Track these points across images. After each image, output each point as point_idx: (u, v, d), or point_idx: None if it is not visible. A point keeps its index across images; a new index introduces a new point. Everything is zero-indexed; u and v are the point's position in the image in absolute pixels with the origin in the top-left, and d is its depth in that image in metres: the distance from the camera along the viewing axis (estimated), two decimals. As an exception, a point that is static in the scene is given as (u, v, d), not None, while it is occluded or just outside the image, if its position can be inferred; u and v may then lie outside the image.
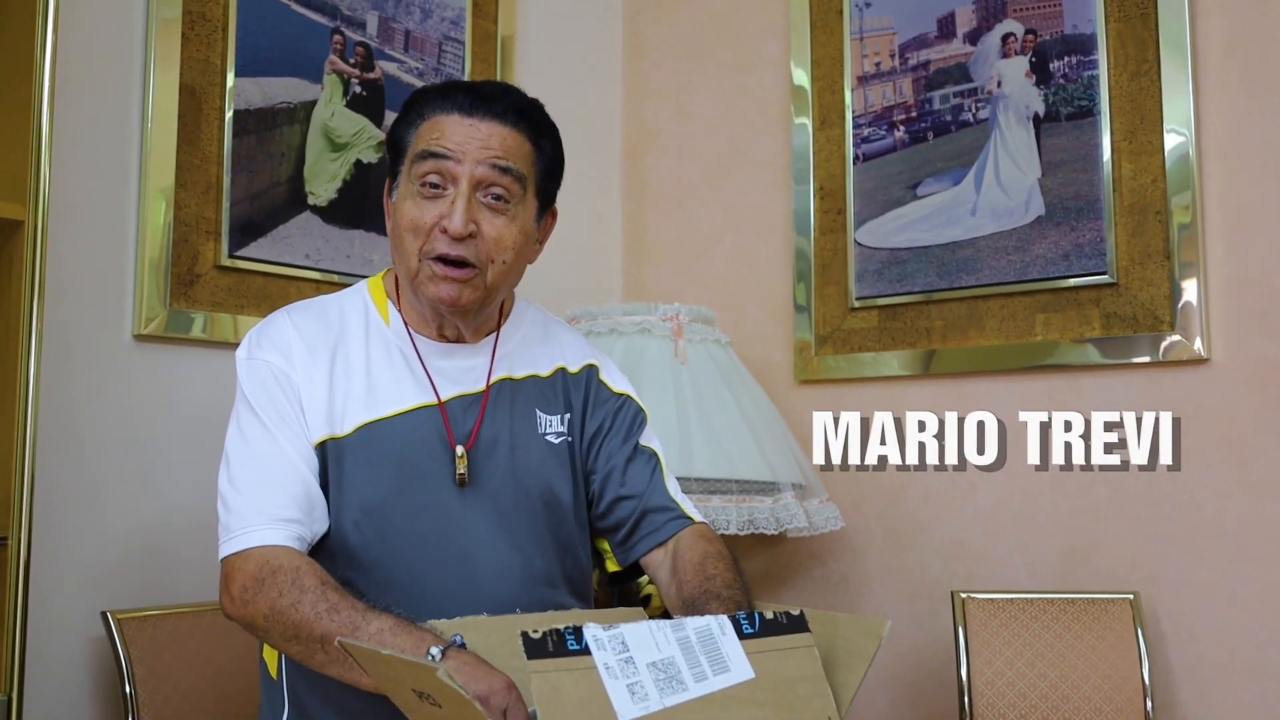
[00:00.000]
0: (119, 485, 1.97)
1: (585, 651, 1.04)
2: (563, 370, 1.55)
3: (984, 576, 2.32)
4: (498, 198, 1.38)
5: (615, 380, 1.59)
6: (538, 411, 1.50)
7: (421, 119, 1.41)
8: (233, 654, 1.88)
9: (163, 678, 1.81)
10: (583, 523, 1.52)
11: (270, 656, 1.44)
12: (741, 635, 1.15)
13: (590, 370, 1.57)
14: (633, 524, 1.50)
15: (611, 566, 1.55)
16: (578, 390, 1.55)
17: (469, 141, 1.36)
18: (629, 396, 1.58)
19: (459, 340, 1.48)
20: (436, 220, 1.36)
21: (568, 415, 1.52)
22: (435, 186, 1.37)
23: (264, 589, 1.26)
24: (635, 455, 1.53)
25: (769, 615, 1.18)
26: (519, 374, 1.51)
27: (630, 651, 1.07)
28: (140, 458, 1.99)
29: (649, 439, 1.57)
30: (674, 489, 1.53)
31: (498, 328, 1.52)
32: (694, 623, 1.13)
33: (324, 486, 1.38)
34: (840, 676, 1.20)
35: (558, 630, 1.03)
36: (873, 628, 1.22)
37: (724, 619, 1.15)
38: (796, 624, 1.19)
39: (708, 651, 1.12)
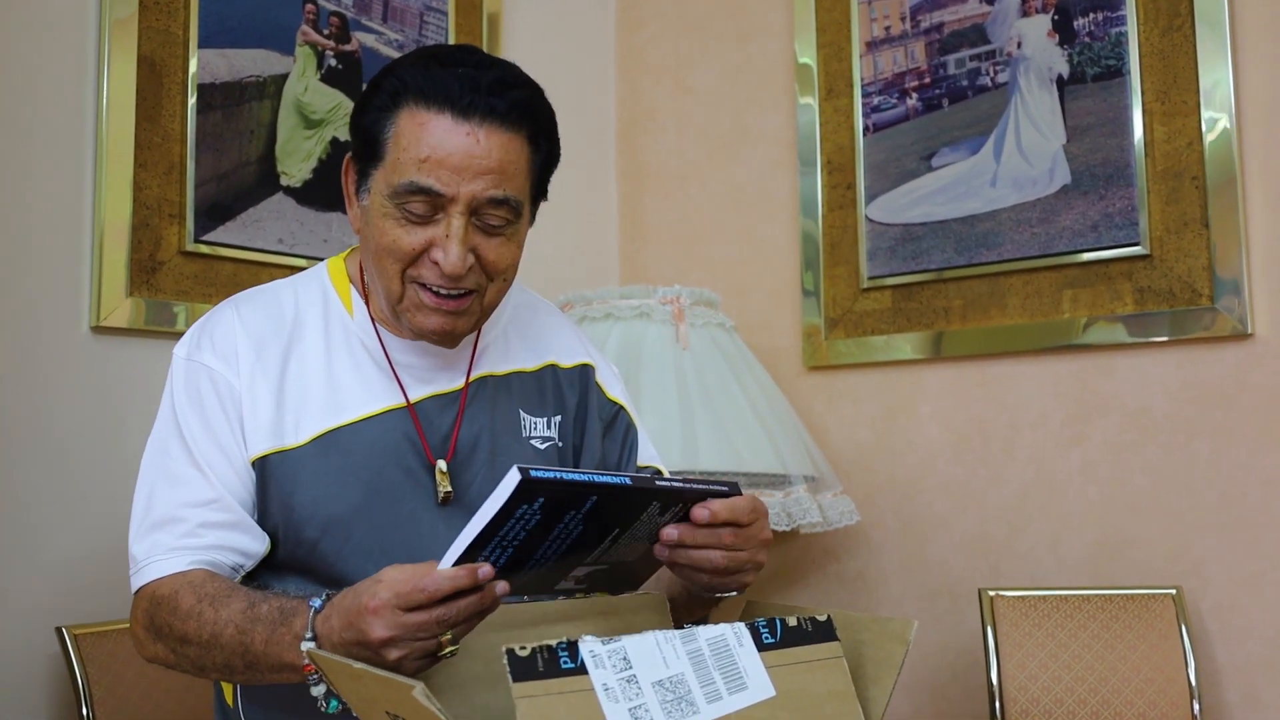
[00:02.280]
0: (74, 488, 1.82)
1: (581, 670, 0.89)
2: (553, 367, 1.37)
3: (1010, 572, 2.17)
4: (495, 223, 1.19)
5: (610, 385, 1.41)
6: (522, 413, 1.32)
7: (400, 108, 1.16)
8: (199, 671, 1.73)
9: (123, 699, 1.66)
10: None
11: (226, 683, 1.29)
12: (761, 646, 1.01)
13: (586, 371, 1.39)
14: None
15: None
16: (572, 391, 1.37)
17: (466, 163, 1.14)
18: (622, 408, 1.41)
19: None
20: (425, 246, 1.17)
21: (558, 418, 1.35)
22: (420, 215, 1.17)
23: (155, 628, 1.17)
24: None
25: (792, 622, 1.03)
26: (502, 369, 1.33)
27: (634, 669, 0.92)
28: (99, 458, 1.84)
29: (646, 453, 1.41)
30: None
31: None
32: (706, 632, 0.98)
33: (266, 504, 1.22)
34: (868, 690, 1.08)
35: (549, 646, 0.88)
36: (898, 630, 1.09)
37: (740, 627, 1.01)
38: (824, 632, 1.05)
39: (722, 666, 0.97)
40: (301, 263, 2.09)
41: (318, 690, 1.06)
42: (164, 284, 1.93)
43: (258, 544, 1.21)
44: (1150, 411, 2.04)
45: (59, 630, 1.67)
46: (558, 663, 0.88)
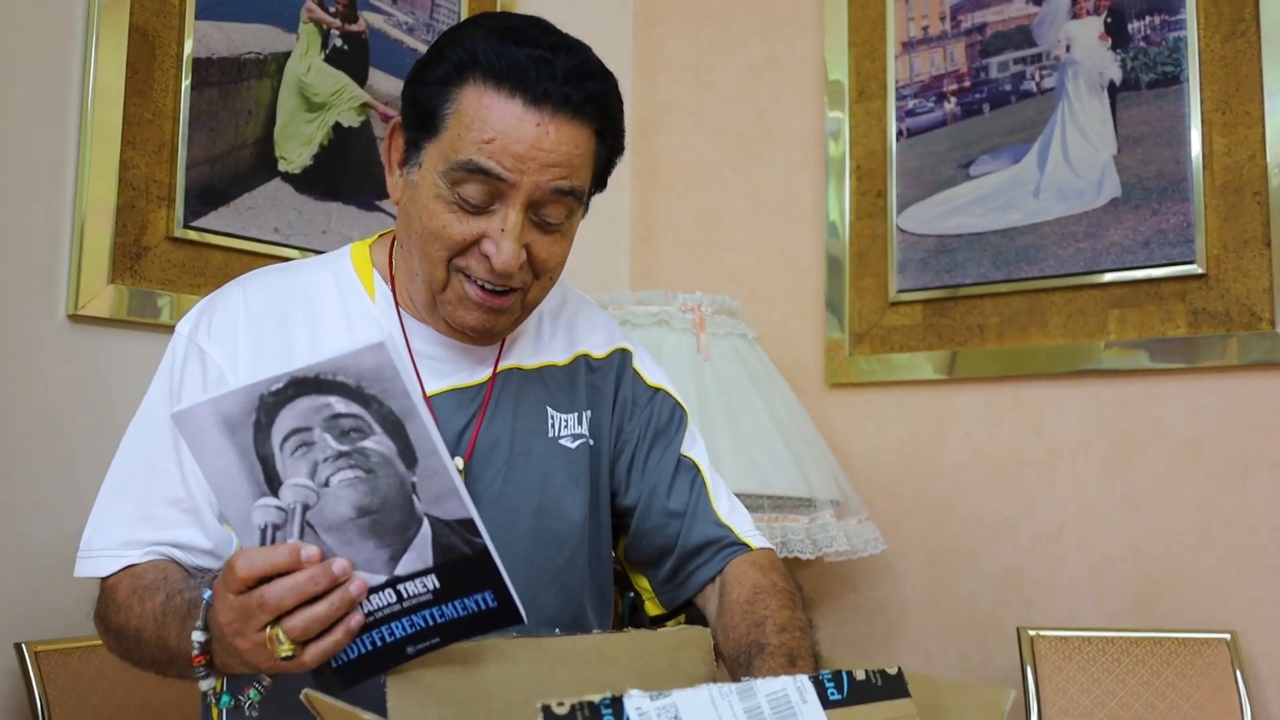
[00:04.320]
0: (44, 491, 1.67)
1: (627, 731, 0.75)
2: (585, 357, 1.27)
3: (1045, 609, 2.03)
4: (553, 220, 1.09)
5: (650, 370, 1.30)
6: (549, 410, 1.21)
7: (465, 82, 1.06)
8: (170, 694, 1.58)
9: (87, 723, 1.51)
10: (600, 552, 1.23)
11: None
12: (827, 703, 0.87)
13: (622, 357, 1.29)
14: (677, 560, 1.22)
15: (653, 610, 1.26)
16: (606, 381, 1.26)
17: (533, 154, 1.04)
18: (665, 392, 1.29)
19: None
20: (476, 238, 1.07)
21: (588, 413, 1.24)
22: (475, 204, 1.07)
23: (104, 620, 1.10)
24: (677, 470, 1.24)
25: (860, 676, 0.90)
26: (531, 362, 1.23)
27: (686, 729, 0.78)
28: (71, 459, 1.69)
29: (691, 445, 1.28)
30: (724, 508, 1.24)
31: None
32: (766, 687, 0.85)
33: None
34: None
35: (590, 703, 0.74)
36: (992, 699, 0.96)
37: (804, 680, 0.87)
38: (894, 687, 0.92)
39: (785, 726, 0.83)
40: (297, 253, 1.95)
41: (206, 685, 0.97)
42: (149, 271, 1.79)
43: (218, 544, 1.12)
44: (1202, 441, 1.91)
45: (18, 646, 1.52)
46: (601, 721, 0.74)
